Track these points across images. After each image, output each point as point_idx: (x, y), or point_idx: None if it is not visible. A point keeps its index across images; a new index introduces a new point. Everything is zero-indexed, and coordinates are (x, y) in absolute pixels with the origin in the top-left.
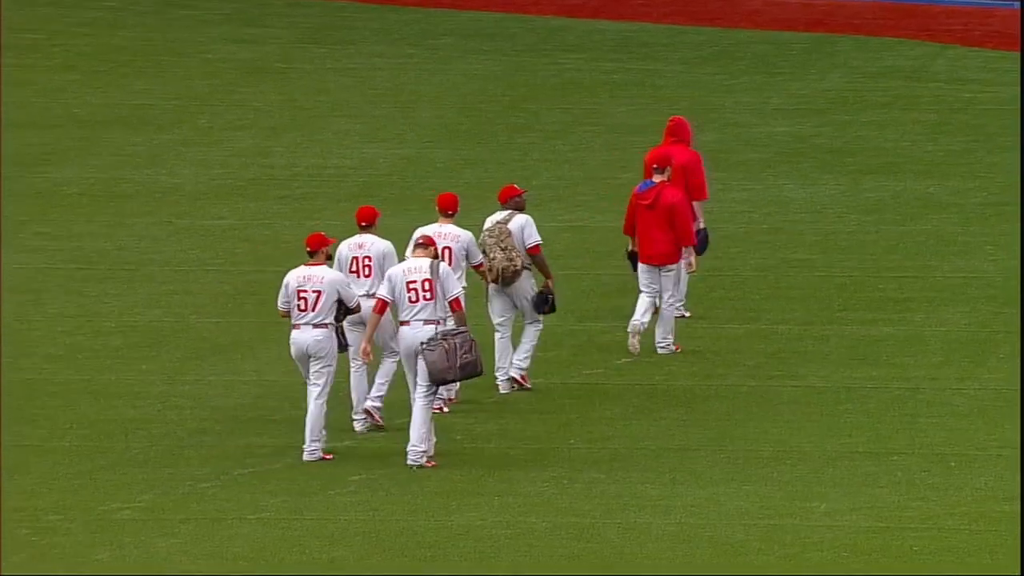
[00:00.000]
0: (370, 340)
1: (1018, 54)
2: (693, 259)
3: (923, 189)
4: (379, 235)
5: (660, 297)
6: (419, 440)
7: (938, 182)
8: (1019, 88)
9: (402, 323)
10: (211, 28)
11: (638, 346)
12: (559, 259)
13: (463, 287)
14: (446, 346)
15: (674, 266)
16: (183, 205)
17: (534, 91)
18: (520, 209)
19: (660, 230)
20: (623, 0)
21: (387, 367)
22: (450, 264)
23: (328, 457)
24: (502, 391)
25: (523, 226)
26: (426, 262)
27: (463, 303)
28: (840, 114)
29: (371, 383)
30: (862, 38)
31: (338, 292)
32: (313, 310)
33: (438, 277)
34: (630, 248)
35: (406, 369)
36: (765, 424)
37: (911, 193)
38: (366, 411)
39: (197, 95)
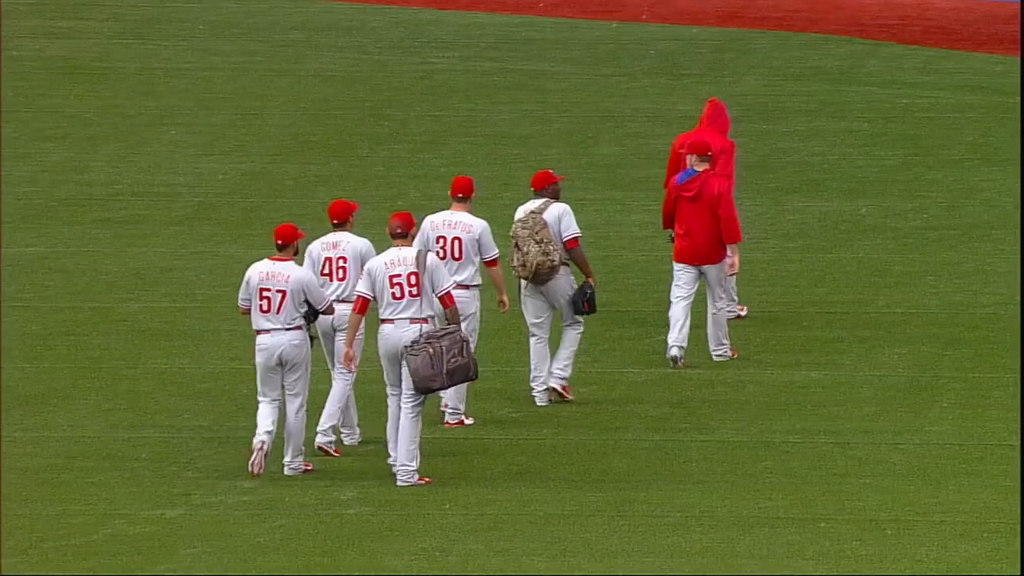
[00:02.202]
0: (351, 344)
1: (961, 53)
2: (737, 259)
3: (854, 210)
4: (355, 233)
5: (709, 301)
6: (409, 458)
7: (871, 202)
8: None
9: (383, 321)
10: (16, 20)
11: (680, 362)
12: None
13: (479, 284)
14: (430, 351)
15: (716, 266)
16: None
17: (400, 95)
18: (556, 197)
19: (702, 225)
20: None
21: (339, 388)
22: (459, 258)
23: (309, 468)
24: (539, 403)
25: (560, 216)
26: (411, 252)
27: (455, 298)
28: (758, 123)
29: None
30: (783, 34)
31: (305, 293)
32: (277, 312)
33: (425, 269)
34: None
35: (385, 374)
36: (671, 485)
37: (840, 215)
38: (319, 448)
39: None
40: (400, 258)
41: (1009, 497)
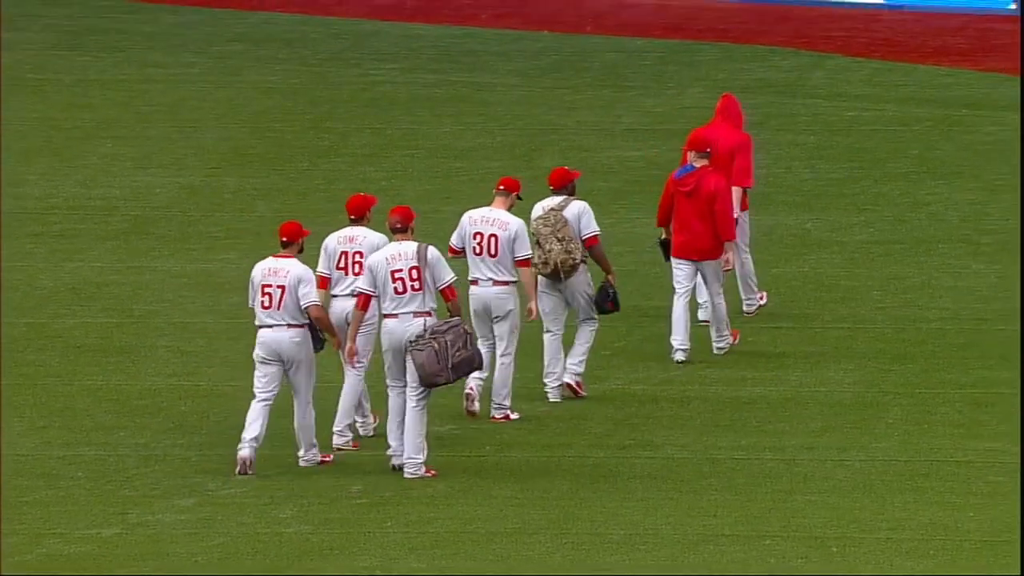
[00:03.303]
0: (354, 339)
1: (907, 65)
2: (732, 256)
3: (799, 224)
4: (372, 228)
5: (702, 293)
6: (416, 451)
7: (817, 216)
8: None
9: (386, 316)
10: None
11: (684, 356)
12: None
13: (515, 280)
14: (436, 346)
15: (714, 262)
16: None
17: (340, 108)
18: (573, 193)
19: (701, 221)
20: (445, 0)
21: (351, 384)
22: (495, 255)
23: (328, 459)
24: (552, 399)
25: (579, 214)
26: (412, 247)
27: (456, 291)
28: None
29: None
30: (727, 46)
31: (297, 288)
32: (278, 308)
33: (426, 263)
34: (664, 236)
35: (388, 368)
36: (615, 503)
37: (785, 229)
38: (337, 448)
39: None
40: (401, 252)
41: (955, 513)
